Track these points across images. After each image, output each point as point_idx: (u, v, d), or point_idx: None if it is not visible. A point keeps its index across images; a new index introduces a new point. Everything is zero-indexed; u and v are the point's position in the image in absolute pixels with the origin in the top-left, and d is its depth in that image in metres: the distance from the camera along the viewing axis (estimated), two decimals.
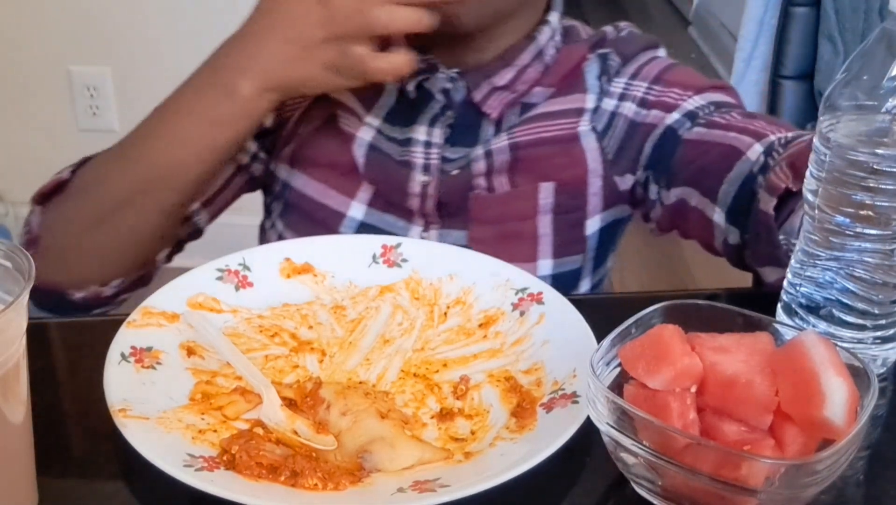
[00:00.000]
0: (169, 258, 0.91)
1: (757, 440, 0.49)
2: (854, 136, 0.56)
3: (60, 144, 2.15)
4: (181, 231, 0.90)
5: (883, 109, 0.55)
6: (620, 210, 0.90)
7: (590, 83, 0.86)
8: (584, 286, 0.91)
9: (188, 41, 2.09)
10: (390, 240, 0.74)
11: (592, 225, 0.88)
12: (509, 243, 0.84)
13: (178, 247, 0.92)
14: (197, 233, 0.93)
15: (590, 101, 0.86)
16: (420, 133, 0.85)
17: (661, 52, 0.90)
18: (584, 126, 0.85)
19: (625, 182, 0.87)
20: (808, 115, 1.92)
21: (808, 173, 0.59)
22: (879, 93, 0.55)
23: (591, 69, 0.87)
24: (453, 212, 0.86)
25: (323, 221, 0.88)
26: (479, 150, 0.84)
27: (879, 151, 0.55)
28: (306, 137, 0.89)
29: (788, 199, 0.70)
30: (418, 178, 0.84)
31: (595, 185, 0.86)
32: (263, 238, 0.97)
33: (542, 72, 0.86)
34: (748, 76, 2.04)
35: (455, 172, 0.85)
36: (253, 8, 0.79)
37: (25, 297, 0.46)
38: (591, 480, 0.55)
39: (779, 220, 0.71)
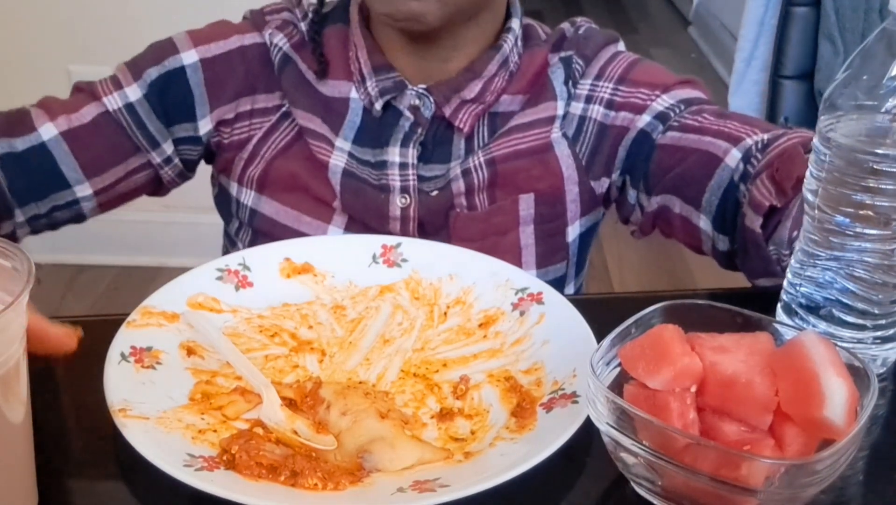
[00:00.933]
0: (34, 232, 0.84)
1: (757, 440, 0.49)
2: (854, 136, 0.56)
3: None
4: (60, 214, 0.84)
5: (883, 109, 0.55)
6: (597, 213, 0.90)
7: (558, 90, 0.85)
8: (569, 291, 0.90)
9: None
10: (390, 240, 0.74)
11: (573, 231, 0.88)
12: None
13: (52, 227, 0.85)
14: (78, 218, 0.86)
15: (560, 108, 0.85)
16: (394, 155, 0.83)
17: (621, 46, 0.89)
18: (555, 133, 0.84)
19: (601, 186, 0.87)
20: (808, 114, 1.92)
21: (807, 173, 0.59)
22: (879, 93, 0.55)
23: (557, 75, 0.85)
24: (433, 231, 0.85)
25: None
26: (456, 170, 0.83)
27: (879, 151, 0.55)
28: (272, 160, 0.85)
29: (773, 212, 0.70)
30: (398, 202, 0.83)
31: (573, 192, 0.86)
32: None
33: (507, 80, 0.84)
34: (748, 76, 2.04)
35: (434, 193, 0.84)
36: None
37: (26, 297, 0.46)
38: (591, 480, 0.55)
39: (766, 232, 0.70)
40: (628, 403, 0.50)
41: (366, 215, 0.84)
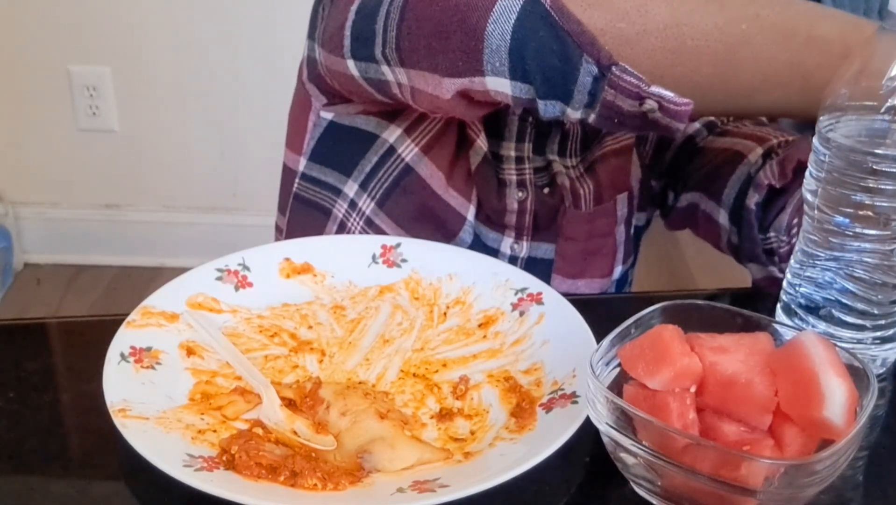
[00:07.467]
0: None
1: (756, 440, 0.49)
2: (854, 137, 0.56)
3: (60, 144, 2.15)
4: None
5: (883, 109, 0.55)
6: (650, 211, 0.93)
7: None
8: (626, 283, 0.95)
9: (187, 41, 2.09)
10: (390, 240, 0.75)
11: (636, 226, 0.91)
12: (593, 258, 0.85)
13: None
14: None
15: None
16: (510, 149, 0.83)
17: None
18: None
19: (658, 185, 0.91)
20: None
21: (807, 173, 0.60)
22: (879, 93, 0.55)
23: None
24: (545, 226, 0.86)
25: (444, 222, 0.82)
26: (559, 167, 0.84)
27: (879, 152, 0.55)
28: (438, 121, 0.82)
29: (777, 198, 0.71)
30: (515, 195, 0.83)
31: (635, 188, 0.89)
32: (342, 228, 0.84)
33: None
34: None
35: (546, 191, 0.85)
36: None
37: None
38: (590, 480, 0.55)
39: (768, 217, 0.72)
40: (628, 403, 0.50)
41: (488, 205, 0.84)
